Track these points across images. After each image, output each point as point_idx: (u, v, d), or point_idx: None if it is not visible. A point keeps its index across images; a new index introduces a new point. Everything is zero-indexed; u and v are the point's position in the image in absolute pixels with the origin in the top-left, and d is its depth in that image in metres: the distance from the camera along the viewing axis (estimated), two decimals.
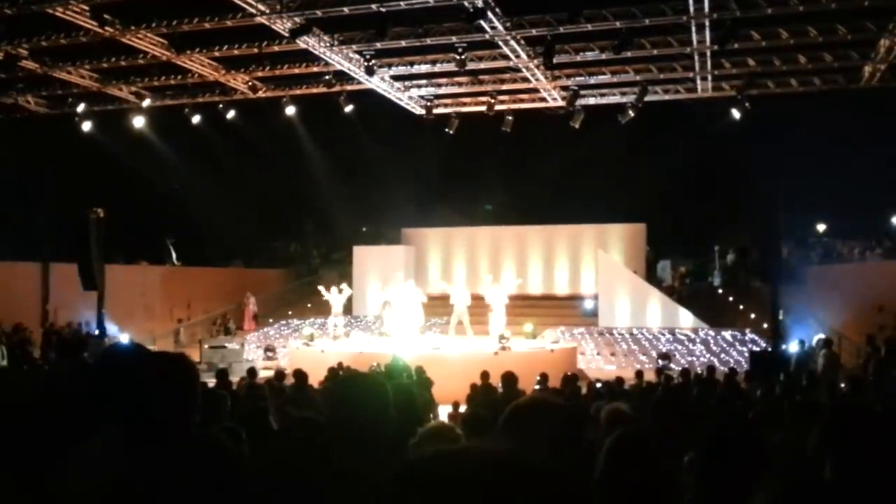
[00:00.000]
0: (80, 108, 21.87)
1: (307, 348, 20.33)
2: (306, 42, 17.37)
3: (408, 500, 1.01)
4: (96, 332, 19.24)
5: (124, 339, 20.15)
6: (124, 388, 2.27)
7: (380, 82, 20.60)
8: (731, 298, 26.56)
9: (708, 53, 18.08)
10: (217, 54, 18.91)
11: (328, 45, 17.97)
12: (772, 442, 6.07)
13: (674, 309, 24.98)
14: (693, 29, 16.48)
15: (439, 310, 22.79)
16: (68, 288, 19.91)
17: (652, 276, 27.85)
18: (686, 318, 24.54)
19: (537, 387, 12.57)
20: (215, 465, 2.62)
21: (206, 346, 21.78)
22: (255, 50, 18.38)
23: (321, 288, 23.28)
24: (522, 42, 17.60)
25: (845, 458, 2.49)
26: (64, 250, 20.64)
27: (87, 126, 22.38)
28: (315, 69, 19.93)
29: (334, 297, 22.53)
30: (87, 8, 15.81)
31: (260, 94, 21.36)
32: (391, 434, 2.88)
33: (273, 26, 16.60)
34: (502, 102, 21.90)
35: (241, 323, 26.86)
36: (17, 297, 21.20)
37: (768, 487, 2.69)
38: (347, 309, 24.31)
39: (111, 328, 21.48)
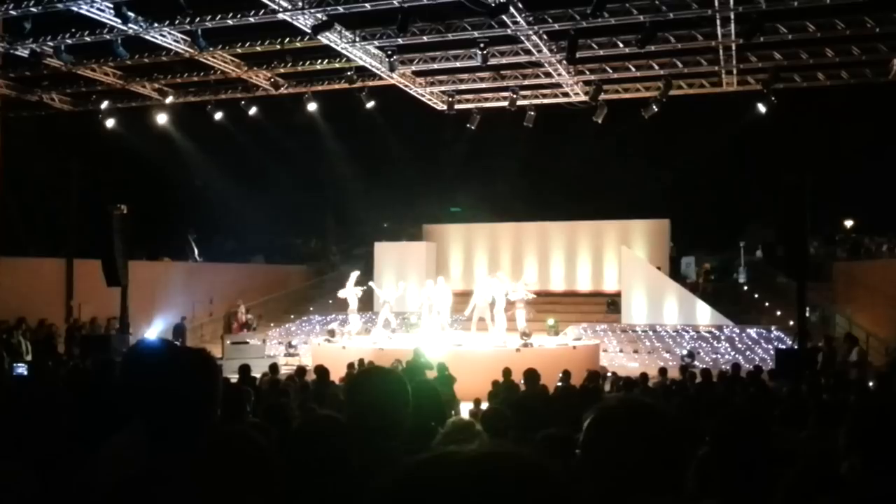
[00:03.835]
0: (104, 105, 22.02)
1: (328, 344, 20.35)
2: (328, 38, 17.37)
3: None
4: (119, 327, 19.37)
5: (151, 334, 20.31)
6: (149, 384, 2.26)
7: (401, 78, 20.57)
8: (756, 295, 26.30)
9: (733, 47, 17.87)
10: (239, 51, 18.95)
11: (350, 41, 17.95)
12: (797, 440, 5.97)
13: (698, 306, 24.78)
14: (718, 22, 16.30)
15: (460, 306, 22.71)
16: (92, 284, 20.05)
17: (676, 273, 27.64)
18: (710, 316, 24.33)
19: (559, 384, 12.50)
20: (240, 462, 2.58)
21: (228, 342, 21.87)
22: (278, 46, 18.41)
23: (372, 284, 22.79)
24: (545, 37, 17.48)
25: (874, 457, 2.42)
26: (88, 247, 20.79)
27: (110, 123, 22.52)
28: (337, 65, 19.93)
29: (349, 290, 22.14)
30: (110, 5, 15.89)
31: (282, 90, 21.39)
32: (409, 431, 2.82)
33: (295, 23, 16.59)
34: (524, 98, 21.77)
35: (231, 331, 25.16)
36: (42, 293, 21.39)
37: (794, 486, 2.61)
38: (367, 306, 24.13)
39: (157, 324, 21.64)
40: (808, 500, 2.53)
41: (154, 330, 22.27)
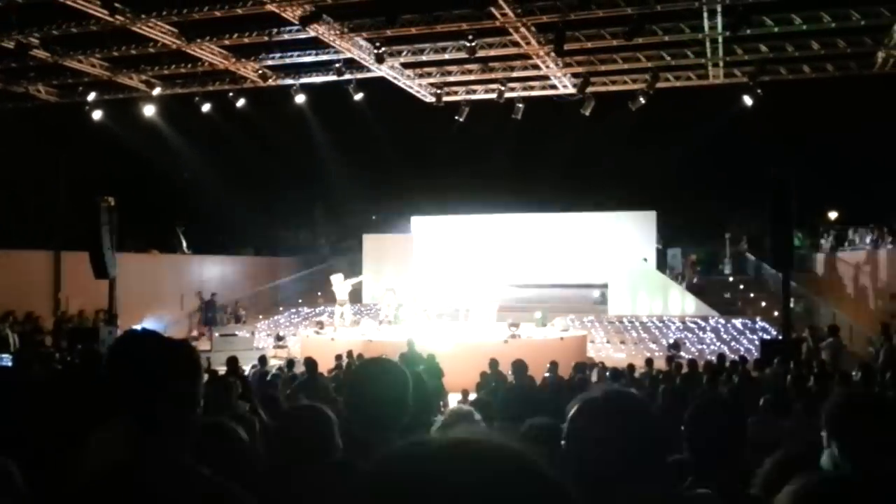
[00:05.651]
0: (91, 96, 21.90)
1: (317, 336, 20.39)
2: (316, 30, 17.34)
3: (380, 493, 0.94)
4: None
5: (139, 327, 20.26)
6: (134, 375, 2.30)
7: (390, 70, 20.55)
8: (741, 286, 26.49)
9: (720, 40, 17.95)
10: (227, 43, 18.88)
11: (338, 32, 17.93)
12: (781, 429, 6.07)
13: (683, 297, 24.95)
14: (705, 15, 16.37)
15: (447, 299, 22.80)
16: (80, 276, 20.02)
17: (662, 265, 27.79)
18: (696, 307, 24.50)
19: (547, 375, 12.59)
20: (224, 452, 2.63)
21: (216, 334, 21.87)
22: (266, 38, 18.36)
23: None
24: (533, 29, 17.50)
25: (852, 445, 2.48)
26: (76, 239, 20.73)
27: (97, 115, 22.41)
28: (325, 57, 19.90)
29: (339, 284, 22.34)
30: None
31: (270, 82, 21.34)
32: (407, 423, 2.86)
33: (283, 14, 16.56)
34: (512, 90, 21.81)
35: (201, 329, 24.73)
36: (29, 285, 21.29)
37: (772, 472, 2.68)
38: (355, 297, 24.19)
39: (148, 319, 21.58)
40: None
41: (145, 323, 22.24)
